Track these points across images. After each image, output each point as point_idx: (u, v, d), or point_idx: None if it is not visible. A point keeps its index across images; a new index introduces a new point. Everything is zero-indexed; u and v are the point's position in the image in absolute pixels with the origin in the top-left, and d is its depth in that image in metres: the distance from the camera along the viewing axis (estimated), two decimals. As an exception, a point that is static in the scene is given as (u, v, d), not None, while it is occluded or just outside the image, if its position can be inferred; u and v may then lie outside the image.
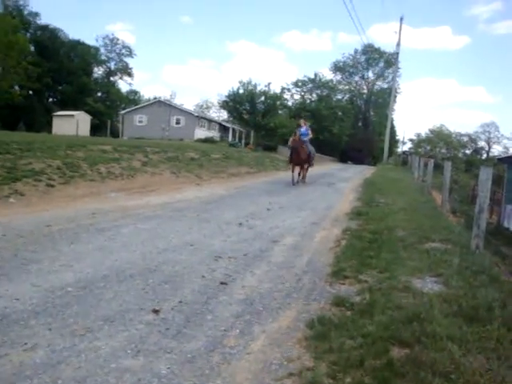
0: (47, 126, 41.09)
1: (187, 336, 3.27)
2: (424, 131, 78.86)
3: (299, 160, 15.59)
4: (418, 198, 12.36)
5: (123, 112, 47.84)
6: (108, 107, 58.43)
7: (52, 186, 9.95)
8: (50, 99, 57.82)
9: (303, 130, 16.14)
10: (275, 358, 3.05)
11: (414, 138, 78.19)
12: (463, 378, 2.65)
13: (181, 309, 3.79)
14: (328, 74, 60.69)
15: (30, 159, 11.05)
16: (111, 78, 66.19)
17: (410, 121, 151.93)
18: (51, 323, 3.33)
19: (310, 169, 17.01)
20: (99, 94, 62.22)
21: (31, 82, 44.62)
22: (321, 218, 9.06)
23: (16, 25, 42.71)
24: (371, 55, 61.92)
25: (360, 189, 15.55)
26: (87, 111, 41.96)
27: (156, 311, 3.68)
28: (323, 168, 27.41)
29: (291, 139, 15.98)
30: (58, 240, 5.77)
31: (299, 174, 16.05)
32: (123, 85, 71.21)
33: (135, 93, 73.63)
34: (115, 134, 46.15)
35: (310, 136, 16.43)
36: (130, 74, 67.50)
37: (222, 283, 4.52)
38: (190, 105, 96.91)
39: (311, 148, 16.45)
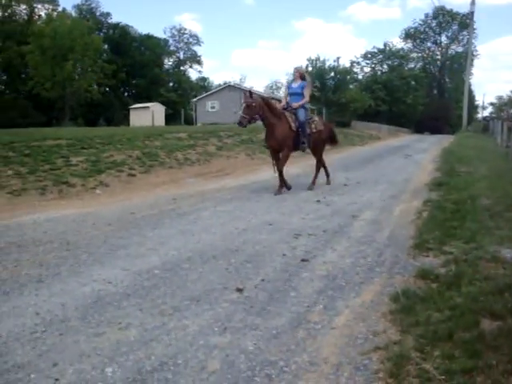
0: (125, 120, 42.89)
1: (271, 313, 3.30)
2: (506, 93, 73.90)
3: (274, 142, 8.66)
4: (501, 165, 11.66)
5: (195, 99, 48.77)
6: (180, 96, 59.82)
7: (133, 175, 10.38)
8: (126, 93, 60.03)
9: (295, 86, 9.24)
10: (360, 332, 3.02)
11: (495, 101, 73.62)
12: None
13: (264, 287, 3.83)
14: (398, 43, 58.39)
15: (111, 152, 11.58)
16: (181, 68, 67.68)
17: (490, 84, 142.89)
18: (141, 304, 3.49)
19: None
20: (171, 84, 63.80)
21: (107, 79, 46.48)
22: (399, 191, 8.80)
23: (90, 26, 44.58)
24: (443, 18, 58.71)
25: (438, 159, 14.90)
26: (161, 102, 43.22)
27: (240, 290, 3.75)
28: (398, 140, 26.55)
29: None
30: (143, 226, 6.02)
31: (278, 171, 8.71)
32: (193, 73, 72.62)
33: (205, 80, 74.87)
34: (189, 121, 47.27)
35: (306, 99, 9.17)
36: (199, 62, 68.73)
37: (302, 260, 4.52)
38: (259, 87, 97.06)
39: (316, 119, 9.69)
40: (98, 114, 48.82)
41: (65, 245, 5.19)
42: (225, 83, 53.41)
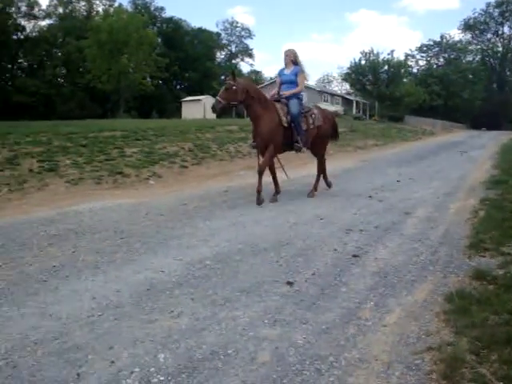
0: (177, 112, 43.57)
1: (322, 307, 3.29)
2: None
3: (258, 138, 7.19)
4: None
5: (247, 93, 48.87)
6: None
7: (185, 167, 10.56)
8: (178, 86, 61.03)
9: (287, 72, 7.69)
10: (412, 331, 2.95)
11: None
12: None
13: (314, 281, 3.81)
14: (456, 35, 56.45)
15: (164, 143, 11.82)
16: (233, 61, 68.06)
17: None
18: (193, 293, 3.55)
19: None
20: (222, 78, 64.29)
21: (160, 72, 47.37)
22: (454, 188, 8.55)
23: (145, 21, 45.48)
24: (507, 7, 56.08)
25: (497, 156, 14.35)
26: (213, 95, 43.59)
27: (290, 283, 3.74)
28: (454, 136, 25.74)
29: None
30: (194, 217, 6.10)
31: (258, 171, 7.19)
32: (245, 66, 72.83)
33: (257, 73, 74.99)
34: (240, 114, 47.37)
35: (300, 88, 7.57)
36: (250, 55, 69.02)
37: (354, 256, 4.47)
38: (311, 80, 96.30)
39: (314, 112, 7.81)
40: (151, 106, 49.81)
41: (119, 233, 5.34)
42: (276, 76, 53.29)
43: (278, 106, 7.23)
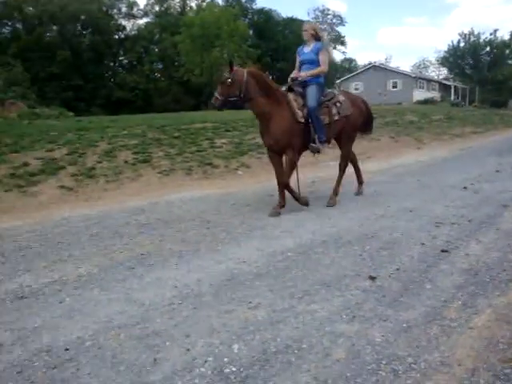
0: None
1: (404, 304, 3.13)
2: None
3: (270, 140, 5.86)
4: None
5: (338, 81, 48.18)
6: (324, 78, 59.55)
7: (273, 158, 10.57)
8: (270, 77, 61.28)
9: (307, 50, 6.20)
10: (503, 336, 2.71)
11: None
12: None
13: (398, 276, 3.65)
14: None
15: (254, 134, 11.90)
16: (325, 50, 67.12)
17: None
18: (273, 285, 3.54)
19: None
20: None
21: (252, 64, 47.89)
22: None
23: (236, 13, 46.11)
24: None
25: None
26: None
27: (372, 278, 3.62)
28: None
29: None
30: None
31: (281, 184, 6.05)
32: (337, 54, 71.52)
33: (350, 61, 73.48)
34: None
35: (323, 68, 6.03)
36: (342, 43, 67.50)
37: (443, 251, 4.22)
38: (406, 66, 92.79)
39: (340, 100, 6.29)
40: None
41: (205, 223, 5.47)
42: (369, 63, 51.88)
43: (290, 97, 5.82)
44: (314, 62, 6.02)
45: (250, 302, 3.23)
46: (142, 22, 55.56)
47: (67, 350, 2.68)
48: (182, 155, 9.56)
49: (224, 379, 2.35)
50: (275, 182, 6.07)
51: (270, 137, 5.79)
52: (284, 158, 5.98)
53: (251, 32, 54.13)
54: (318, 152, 6.08)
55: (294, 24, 58.86)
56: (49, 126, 12.12)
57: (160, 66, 53.55)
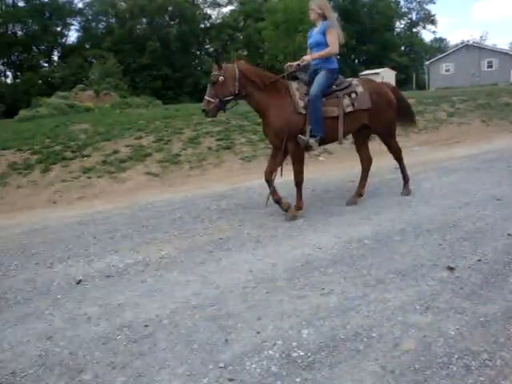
0: (354, 87, 42.90)
1: (483, 298, 2.99)
2: None
3: (270, 134, 5.31)
4: None
5: (428, 62, 46.06)
6: (412, 60, 57.37)
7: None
8: (356, 60, 59.93)
9: (315, 32, 5.37)
10: None
11: None
12: None
13: (479, 268, 3.49)
14: None
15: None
16: (413, 30, 64.29)
17: None
18: (346, 272, 3.53)
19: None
20: (402, 48, 61.37)
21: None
22: None
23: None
24: None
25: None
26: (391, 67, 42.00)
27: (451, 268, 3.48)
28: None
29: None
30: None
31: (271, 180, 5.38)
32: (427, 34, 68.37)
33: (441, 40, 69.93)
34: (421, 86, 45.04)
35: (331, 50, 5.11)
36: (433, 22, 64.18)
37: (531, 243, 3.97)
38: (503, 44, 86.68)
39: (358, 89, 5.36)
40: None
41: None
42: (462, 42, 49.05)
43: (293, 86, 5.20)
44: (322, 45, 5.18)
45: (323, 289, 3.24)
46: (227, 9, 56.46)
47: (146, 326, 2.87)
48: (264, 141, 9.65)
49: (291, 362, 2.40)
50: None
51: (269, 130, 5.23)
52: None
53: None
54: (309, 148, 5.14)
55: (380, 5, 57.04)
56: (138, 114, 12.75)
57: (245, 53, 54.12)
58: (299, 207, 5.29)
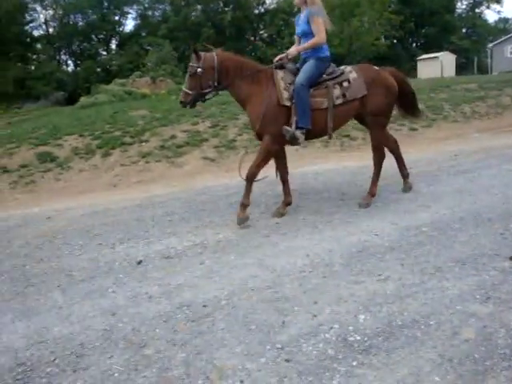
0: (413, 72, 41.72)
1: (549, 289, 2.90)
2: None
3: (252, 127, 5.16)
4: None
5: (491, 45, 43.99)
6: (474, 42, 54.84)
7: (415, 129, 10.17)
8: (414, 44, 58.08)
9: (301, 19, 5.00)
10: None
11: None
12: None
13: (545, 258, 3.37)
14: None
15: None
16: (476, 10, 61.35)
17: None
18: (404, 259, 3.49)
19: None
20: (464, 31, 58.83)
21: (395, 31, 45.67)
22: None
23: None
24: None
25: None
26: (452, 50, 40.46)
27: (514, 258, 3.38)
28: None
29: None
30: (417, 182, 5.86)
31: (246, 177, 4.87)
32: (491, 15, 65.09)
33: (505, 21, 66.45)
34: (483, 70, 43.15)
35: (317, 40, 4.72)
36: (498, 1, 60.99)
37: None
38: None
39: (350, 77, 4.88)
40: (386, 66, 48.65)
41: (340, 195, 5.52)
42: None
43: (279, 74, 4.75)
44: (308, 34, 4.79)
45: (380, 275, 3.24)
46: (281, -6, 55.77)
47: (205, 306, 2.96)
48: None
49: (347, 346, 2.42)
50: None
51: (250, 123, 4.95)
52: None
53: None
54: (295, 141, 4.68)
55: (440, -15, 54.78)
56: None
57: (299, 38, 53.65)
58: (287, 203, 5.04)
